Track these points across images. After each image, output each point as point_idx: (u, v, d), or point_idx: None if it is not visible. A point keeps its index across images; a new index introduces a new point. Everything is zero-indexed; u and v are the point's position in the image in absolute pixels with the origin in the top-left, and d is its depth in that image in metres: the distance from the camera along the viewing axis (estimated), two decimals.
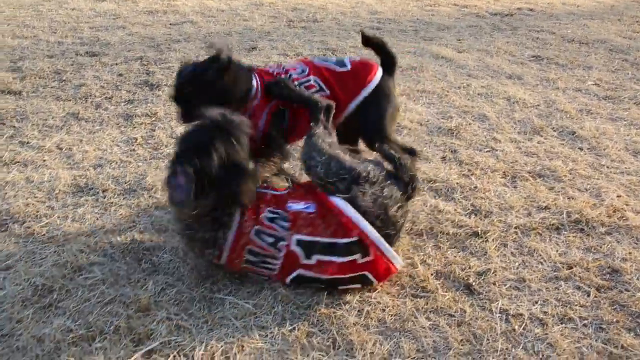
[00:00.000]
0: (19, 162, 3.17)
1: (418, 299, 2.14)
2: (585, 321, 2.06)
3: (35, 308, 2.06)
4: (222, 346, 1.90)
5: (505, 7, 7.52)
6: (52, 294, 2.14)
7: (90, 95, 4.15)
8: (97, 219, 2.64)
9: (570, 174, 3.14)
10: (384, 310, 2.07)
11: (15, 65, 4.76)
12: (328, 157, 2.14)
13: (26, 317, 2.01)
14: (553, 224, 2.66)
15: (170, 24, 6.26)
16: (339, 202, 2.07)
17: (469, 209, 2.77)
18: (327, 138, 2.23)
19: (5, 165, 3.12)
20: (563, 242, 2.54)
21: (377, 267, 2.08)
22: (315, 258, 2.03)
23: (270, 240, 2.05)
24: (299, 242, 2.04)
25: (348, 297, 2.12)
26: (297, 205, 2.11)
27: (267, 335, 1.95)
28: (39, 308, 2.07)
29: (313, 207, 2.10)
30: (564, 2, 7.98)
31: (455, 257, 2.40)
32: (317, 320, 2.01)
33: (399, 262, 2.14)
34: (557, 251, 2.47)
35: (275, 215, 2.08)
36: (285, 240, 2.04)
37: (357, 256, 2.03)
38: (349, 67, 2.64)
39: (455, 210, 2.76)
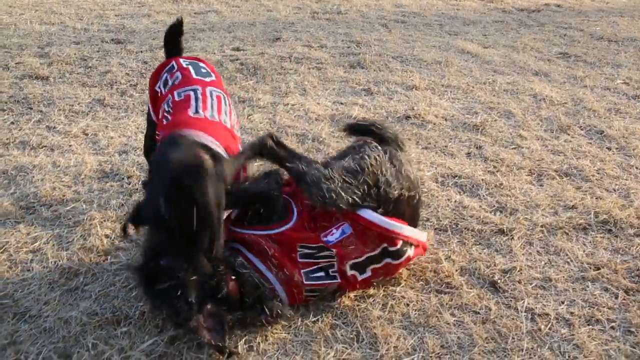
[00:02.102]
0: (46, 146, 3.21)
1: (442, 295, 2.12)
2: (613, 323, 2.02)
3: (62, 290, 2.09)
4: (245, 335, 1.90)
5: (532, 2, 7.40)
6: (78, 277, 2.16)
7: (116, 82, 4.18)
8: (122, 204, 2.66)
9: (598, 173, 3.08)
10: (408, 305, 2.06)
11: (43, 51, 4.81)
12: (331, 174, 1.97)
13: (53, 299, 2.04)
14: (580, 224, 2.61)
15: (194, 13, 6.27)
16: (368, 214, 1.98)
17: (494, 206, 2.74)
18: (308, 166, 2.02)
19: (32, 149, 3.16)
20: (590, 242, 2.50)
21: (418, 251, 2.13)
22: (369, 269, 2.00)
23: (322, 274, 1.96)
24: (352, 266, 1.97)
25: (372, 291, 2.11)
26: (333, 236, 1.97)
27: (290, 326, 1.95)
28: (66, 291, 2.09)
29: (348, 227, 1.98)
30: None
31: (480, 253, 2.38)
32: (341, 313, 2.00)
33: (425, 239, 2.17)
34: (584, 251, 2.42)
35: (311, 251, 1.96)
36: (335, 267, 1.96)
37: (409, 252, 2.06)
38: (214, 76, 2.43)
39: (480, 206, 2.72)
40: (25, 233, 2.41)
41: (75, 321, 1.94)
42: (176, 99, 2.19)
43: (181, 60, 2.45)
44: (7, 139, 3.27)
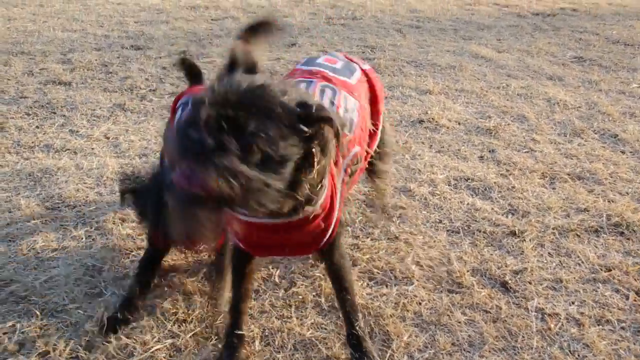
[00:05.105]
0: (69, 149, 3.31)
1: (454, 294, 2.17)
2: (624, 324, 2.05)
3: (86, 287, 2.17)
4: (262, 330, 1.97)
5: (547, 6, 7.40)
6: (101, 275, 2.25)
7: (136, 87, 4.29)
8: None
9: (611, 177, 3.10)
10: (420, 303, 2.11)
11: (65, 57, 4.95)
12: None
13: (78, 295, 2.12)
14: (592, 227, 2.64)
15: (212, 19, 6.39)
16: None
17: (506, 209, 2.78)
18: None
19: (56, 152, 3.27)
20: (602, 244, 2.52)
21: None
22: None
23: None
24: None
25: (385, 290, 2.17)
26: None
27: (304, 322, 2.00)
28: (90, 287, 2.17)
29: None
30: (610, 2, 7.80)
31: (491, 255, 2.42)
32: None
33: None
34: (595, 253, 2.45)
35: None
36: None
37: None
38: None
39: (492, 209, 2.76)
40: (51, 232, 2.51)
41: (98, 316, 2.02)
42: None
43: None
44: (32, 142, 3.38)
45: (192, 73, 2.67)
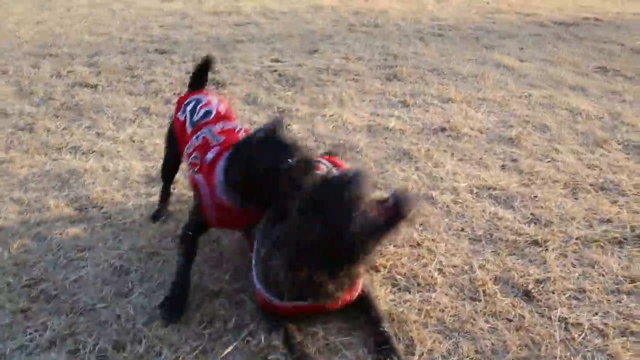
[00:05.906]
0: (95, 151, 3.39)
1: (477, 302, 2.18)
2: None
3: (114, 287, 2.22)
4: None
5: (570, 16, 7.35)
6: (128, 276, 2.30)
7: (160, 91, 4.36)
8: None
9: (635, 188, 3.08)
10: (443, 310, 2.12)
11: (91, 60, 5.05)
12: None
13: (106, 295, 2.17)
14: (615, 238, 2.62)
15: (234, 25, 6.47)
16: None
17: (528, 218, 2.77)
18: None
19: (83, 154, 3.34)
20: (626, 256, 2.51)
21: None
22: None
23: None
24: None
25: (408, 296, 2.18)
26: None
27: (330, 327, 2.03)
28: (118, 288, 2.22)
29: None
30: (635, 12, 7.73)
31: (514, 263, 2.42)
32: None
33: None
34: (619, 265, 2.44)
35: None
36: None
37: None
38: None
39: (514, 218, 2.76)
40: (80, 232, 2.57)
41: (126, 316, 2.06)
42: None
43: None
44: (60, 143, 3.46)
45: (201, 78, 2.85)
